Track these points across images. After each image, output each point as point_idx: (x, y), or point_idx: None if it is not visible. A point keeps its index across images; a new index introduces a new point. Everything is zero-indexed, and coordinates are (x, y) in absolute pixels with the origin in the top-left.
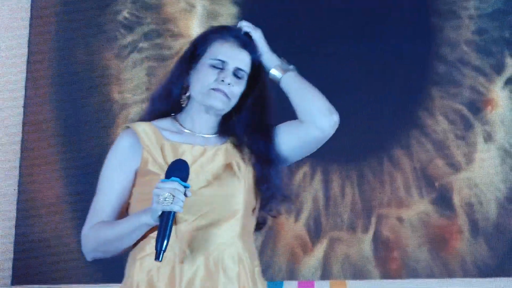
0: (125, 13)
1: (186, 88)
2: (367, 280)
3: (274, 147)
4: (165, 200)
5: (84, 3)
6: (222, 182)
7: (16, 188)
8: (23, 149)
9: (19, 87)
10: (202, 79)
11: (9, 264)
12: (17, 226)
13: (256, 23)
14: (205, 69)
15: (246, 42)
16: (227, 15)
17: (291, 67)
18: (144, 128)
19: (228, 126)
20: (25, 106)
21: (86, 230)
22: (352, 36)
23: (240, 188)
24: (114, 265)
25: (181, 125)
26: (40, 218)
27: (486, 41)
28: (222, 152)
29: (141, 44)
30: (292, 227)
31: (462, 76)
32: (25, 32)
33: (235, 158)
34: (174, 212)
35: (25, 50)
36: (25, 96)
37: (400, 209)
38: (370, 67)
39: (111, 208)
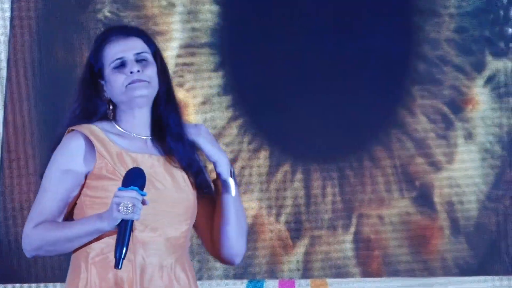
0: (106, 12)
1: (108, 103)
2: (348, 279)
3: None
4: (126, 209)
5: (64, 2)
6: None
7: None
8: (3, 150)
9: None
10: (115, 84)
11: None
12: None
13: (237, 21)
14: (112, 75)
15: (128, 31)
16: (207, 13)
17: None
18: (93, 131)
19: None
20: (5, 106)
21: (28, 229)
22: (333, 35)
23: None
24: None
25: (120, 128)
26: (20, 219)
27: (467, 40)
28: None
29: None
30: (272, 226)
31: (442, 75)
32: (6, 30)
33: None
34: (133, 220)
35: (5, 50)
36: (6, 95)
37: (381, 208)
38: (351, 65)
39: (57, 209)
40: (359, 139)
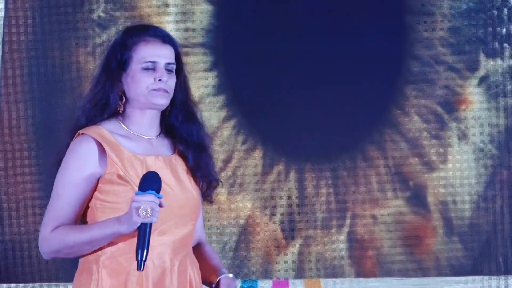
0: (99, 12)
1: (121, 94)
2: (341, 279)
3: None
4: (146, 213)
5: (58, 2)
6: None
7: None
8: None
9: None
10: (140, 83)
11: None
12: None
13: (230, 22)
14: (139, 74)
15: (166, 37)
16: (201, 13)
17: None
18: (103, 135)
19: (168, 124)
20: None
21: (46, 233)
22: (326, 35)
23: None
24: None
25: (127, 128)
26: (15, 219)
27: (460, 40)
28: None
29: None
30: (266, 226)
31: (436, 75)
32: None
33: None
34: (151, 223)
35: None
36: (0, 96)
37: (375, 208)
38: (345, 65)
39: (73, 213)
40: (352, 139)
